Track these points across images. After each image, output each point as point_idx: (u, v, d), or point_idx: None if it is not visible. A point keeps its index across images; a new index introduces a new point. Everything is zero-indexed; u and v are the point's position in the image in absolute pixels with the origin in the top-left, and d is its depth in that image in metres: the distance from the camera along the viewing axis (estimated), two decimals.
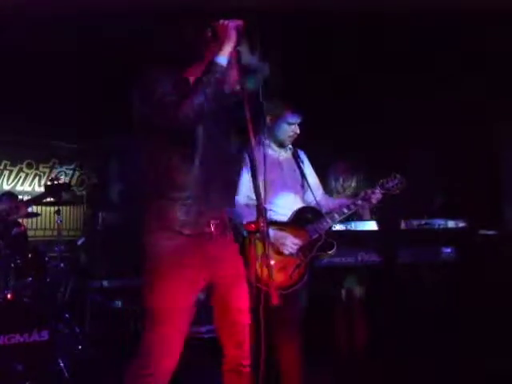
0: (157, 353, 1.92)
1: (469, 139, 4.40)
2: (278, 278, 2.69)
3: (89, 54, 4.34)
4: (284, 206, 2.91)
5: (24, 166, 6.05)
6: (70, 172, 6.27)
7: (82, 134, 5.88)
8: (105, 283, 4.65)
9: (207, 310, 2.15)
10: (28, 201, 3.50)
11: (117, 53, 4.06)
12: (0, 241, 3.41)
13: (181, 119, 1.89)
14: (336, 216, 2.89)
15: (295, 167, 3.09)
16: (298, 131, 3.03)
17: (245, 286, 2.15)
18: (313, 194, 3.05)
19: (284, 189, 2.96)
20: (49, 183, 3.64)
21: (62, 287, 3.95)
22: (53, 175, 5.68)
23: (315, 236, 2.85)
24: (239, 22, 1.95)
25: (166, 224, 1.99)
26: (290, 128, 3.01)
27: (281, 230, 2.81)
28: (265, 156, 2.67)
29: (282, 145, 3.06)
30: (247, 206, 2.81)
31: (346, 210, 2.91)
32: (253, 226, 1.74)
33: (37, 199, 3.74)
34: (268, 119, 2.97)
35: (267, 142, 3.01)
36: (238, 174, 2.74)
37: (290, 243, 2.77)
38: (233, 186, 2.20)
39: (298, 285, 2.73)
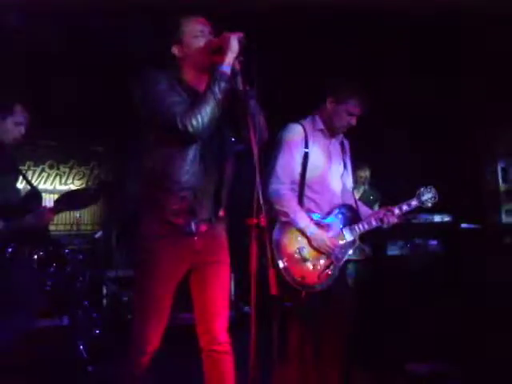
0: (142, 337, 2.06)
1: (453, 140, 4.48)
2: (308, 274, 2.58)
3: (109, 57, 4.40)
4: (325, 198, 2.75)
5: (46, 166, 6.30)
6: (88, 172, 6.52)
7: (99, 136, 6.13)
8: (120, 273, 4.79)
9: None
10: (55, 209, 3.10)
11: (133, 56, 3.98)
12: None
13: (192, 129, 1.94)
14: (373, 222, 2.74)
15: (340, 158, 2.88)
16: (355, 123, 2.73)
17: (225, 274, 2.18)
18: (351, 190, 2.89)
19: (328, 179, 2.77)
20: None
21: (80, 277, 4.03)
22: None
23: (350, 239, 2.72)
24: (240, 34, 2.01)
25: (159, 213, 2.05)
26: (348, 118, 2.70)
27: (320, 227, 2.65)
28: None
29: (333, 132, 2.79)
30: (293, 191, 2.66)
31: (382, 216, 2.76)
32: (254, 220, 1.74)
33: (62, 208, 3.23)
34: (328, 101, 2.74)
35: (320, 125, 2.76)
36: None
37: (328, 244, 2.61)
38: (226, 186, 2.15)
39: (322, 286, 2.59)
